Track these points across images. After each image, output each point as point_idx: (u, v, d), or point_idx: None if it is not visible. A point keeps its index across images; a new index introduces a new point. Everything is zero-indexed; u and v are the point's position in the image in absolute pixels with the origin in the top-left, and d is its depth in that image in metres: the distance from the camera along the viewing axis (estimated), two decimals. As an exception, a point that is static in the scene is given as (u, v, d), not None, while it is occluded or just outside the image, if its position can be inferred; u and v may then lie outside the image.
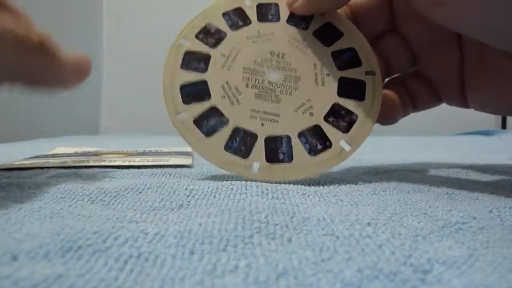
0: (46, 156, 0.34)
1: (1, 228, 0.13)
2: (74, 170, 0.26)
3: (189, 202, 0.18)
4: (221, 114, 0.22)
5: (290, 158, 0.22)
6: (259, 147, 0.22)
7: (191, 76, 0.23)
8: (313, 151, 0.22)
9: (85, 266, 0.11)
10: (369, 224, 0.15)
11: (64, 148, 0.41)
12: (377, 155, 0.42)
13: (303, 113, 0.23)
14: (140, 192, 0.19)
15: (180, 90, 0.23)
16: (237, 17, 0.25)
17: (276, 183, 0.21)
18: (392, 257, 0.12)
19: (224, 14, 0.25)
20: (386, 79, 0.28)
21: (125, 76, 1.31)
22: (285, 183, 0.22)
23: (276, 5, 0.25)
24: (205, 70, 0.23)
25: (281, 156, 0.22)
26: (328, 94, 0.23)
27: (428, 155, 0.46)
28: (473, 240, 0.13)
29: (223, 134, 0.22)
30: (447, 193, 0.20)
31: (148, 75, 0.91)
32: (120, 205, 0.17)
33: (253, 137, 0.22)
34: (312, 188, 0.21)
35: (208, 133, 0.22)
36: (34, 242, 0.12)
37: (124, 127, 1.23)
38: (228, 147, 0.22)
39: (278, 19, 0.25)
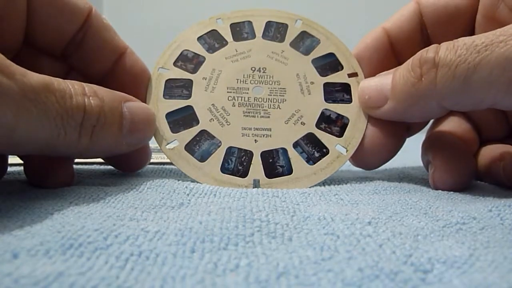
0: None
1: (2, 225, 0.13)
2: (75, 167, 0.26)
3: (189, 200, 0.18)
4: (212, 137, 0.22)
5: (290, 171, 0.22)
6: (257, 164, 0.22)
7: (176, 104, 0.23)
8: (311, 160, 0.22)
9: (86, 264, 0.11)
10: (369, 223, 0.15)
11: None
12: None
13: (294, 124, 0.23)
14: (140, 191, 0.19)
15: (166, 119, 0.22)
16: (213, 40, 0.25)
17: None
18: (393, 257, 0.12)
19: (199, 38, 0.25)
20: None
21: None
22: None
23: (250, 23, 0.25)
24: (189, 96, 0.23)
25: (280, 170, 0.22)
26: (315, 102, 0.23)
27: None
28: (474, 240, 0.13)
29: (218, 155, 0.22)
30: (448, 192, 0.21)
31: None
32: (120, 203, 0.17)
33: (249, 154, 0.22)
34: (313, 187, 0.21)
35: (203, 157, 0.22)
36: (35, 239, 0.12)
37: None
38: (224, 169, 0.22)
39: (254, 36, 0.25)
